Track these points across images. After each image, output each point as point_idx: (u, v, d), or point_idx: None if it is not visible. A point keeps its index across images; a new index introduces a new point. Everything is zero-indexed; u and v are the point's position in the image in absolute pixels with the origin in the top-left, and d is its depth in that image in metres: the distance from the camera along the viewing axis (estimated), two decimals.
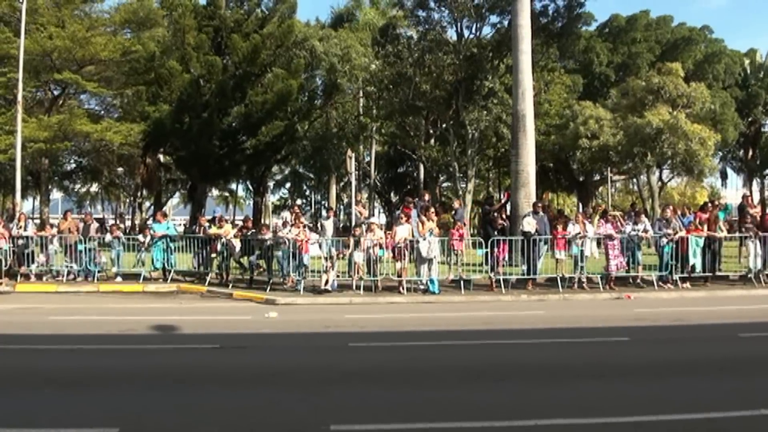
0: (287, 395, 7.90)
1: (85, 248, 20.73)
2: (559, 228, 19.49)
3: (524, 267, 18.98)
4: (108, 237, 21.37)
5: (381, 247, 18.88)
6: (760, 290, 18.21)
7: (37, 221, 30.76)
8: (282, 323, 13.70)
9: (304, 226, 20.49)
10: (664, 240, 18.99)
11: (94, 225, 22.23)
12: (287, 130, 36.03)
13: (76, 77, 33.72)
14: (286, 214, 22.11)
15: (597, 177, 50.63)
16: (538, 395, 7.86)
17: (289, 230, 19.07)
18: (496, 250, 18.58)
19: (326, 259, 18.85)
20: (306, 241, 19.00)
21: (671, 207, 21.89)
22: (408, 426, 6.72)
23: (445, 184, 52.60)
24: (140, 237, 21.46)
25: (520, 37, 22.89)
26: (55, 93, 37.57)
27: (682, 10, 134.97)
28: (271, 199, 75.31)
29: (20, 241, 21.00)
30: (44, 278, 20.88)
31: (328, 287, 18.19)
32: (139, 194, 56.08)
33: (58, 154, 37.18)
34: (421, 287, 18.50)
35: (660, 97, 35.58)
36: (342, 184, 58.38)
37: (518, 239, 19.18)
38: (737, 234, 20.92)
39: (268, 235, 19.61)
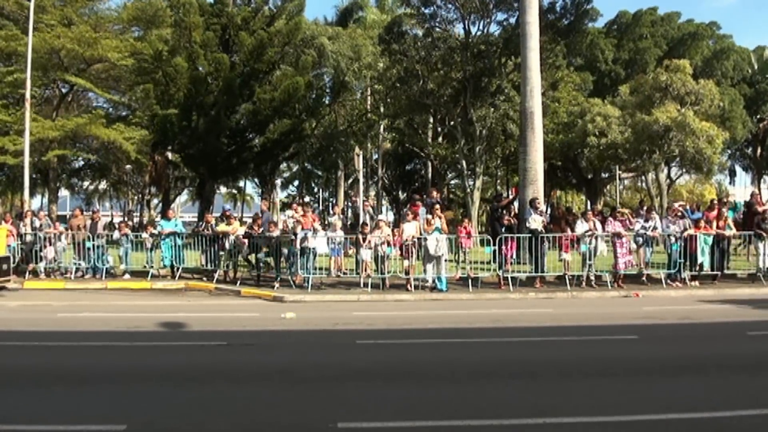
0: (295, 392, 7.90)
1: (94, 245, 20.81)
2: (566, 228, 19.47)
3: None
4: (116, 234, 21.45)
5: (388, 244, 18.89)
6: None
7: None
8: (290, 320, 13.70)
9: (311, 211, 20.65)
10: (673, 238, 18.95)
11: (102, 222, 22.31)
12: (295, 128, 35.97)
13: (86, 83, 33.89)
14: (290, 212, 22.06)
15: (605, 175, 50.45)
16: (546, 393, 7.84)
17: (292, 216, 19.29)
18: (504, 247, 18.58)
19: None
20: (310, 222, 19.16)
21: (678, 204, 21.85)
22: (416, 424, 6.71)
23: (453, 182, 52.61)
24: (144, 234, 21.54)
25: (528, 34, 22.81)
26: (64, 90, 37.69)
27: (691, 9, 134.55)
28: (280, 196, 75.47)
29: (28, 238, 21.10)
30: (52, 275, 20.96)
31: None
32: (147, 192, 56.25)
33: (72, 152, 37.35)
34: (429, 285, 18.50)
35: (668, 95, 35.42)
36: (350, 181, 58.44)
37: (526, 237, 19.14)
38: (745, 232, 20.84)
39: (276, 233, 19.63)
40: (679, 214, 19.95)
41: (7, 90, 33.02)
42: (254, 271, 20.11)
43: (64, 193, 57.83)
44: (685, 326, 12.93)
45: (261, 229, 20.15)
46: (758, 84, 52.27)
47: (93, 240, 20.85)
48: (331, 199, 69.31)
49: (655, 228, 19.42)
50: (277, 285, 18.76)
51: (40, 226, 21.38)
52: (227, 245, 20.10)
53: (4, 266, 18.94)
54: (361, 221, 22.49)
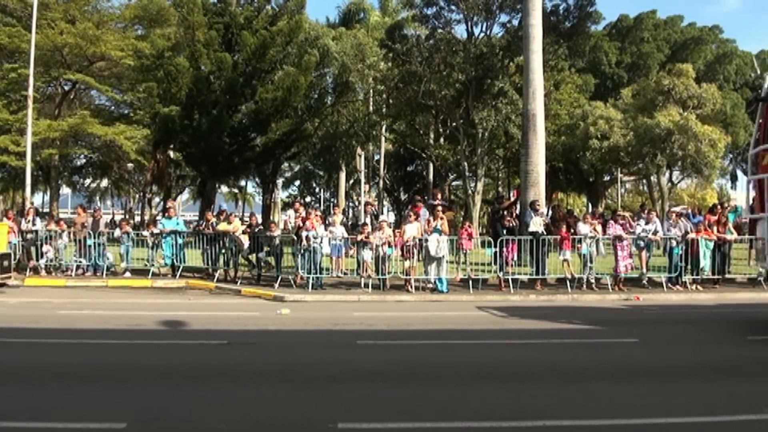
0: (295, 392, 7.90)
1: (95, 243, 20.81)
2: (565, 229, 19.47)
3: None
4: (117, 232, 21.46)
5: (390, 245, 18.88)
6: None
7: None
8: (290, 320, 13.72)
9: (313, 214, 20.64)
10: (674, 242, 18.94)
11: (103, 220, 22.32)
12: (297, 128, 36.01)
13: (89, 79, 33.90)
14: (291, 212, 22.09)
15: (607, 177, 50.48)
16: (546, 396, 7.84)
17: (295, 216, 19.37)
18: (504, 249, 18.57)
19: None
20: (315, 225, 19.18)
21: (680, 208, 21.84)
22: (415, 425, 6.71)
23: (454, 183, 52.64)
24: (145, 232, 21.59)
25: (531, 37, 22.81)
26: (66, 88, 37.71)
27: (694, 13, 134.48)
28: (281, 195, 75.48)
29: (29, 236, 21.10)
30: (53, 273, 20.96)
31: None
32: (148, 190, 56.26)
33: (69, 150, 37.37)
34: (429, 286, 18.49)
35: (670, 98, 35.44)
36: (351, 181, 58.45)
37: (527, 239, 19.13)
38: (747, 236, 20.82)
39: (277, 232, 19.63)
40: (681, 214, 19.96)
41: (9, 87, 33.04)
42: (255, 270, 20.12)
43: (65, 190, 57.90)
44: (685, 330, 12.93)
45: (259, 228, 20.22)
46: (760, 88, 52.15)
47: (94, 238, 20.85)
48: (332, 200, 69.35)
49: (656, 232, 19.37)
50: (277, 284, 18.77)
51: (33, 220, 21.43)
52: (227, 244, 20.12)
53: (5, 263, 18.93)
54: (361, 222, 22.49)
